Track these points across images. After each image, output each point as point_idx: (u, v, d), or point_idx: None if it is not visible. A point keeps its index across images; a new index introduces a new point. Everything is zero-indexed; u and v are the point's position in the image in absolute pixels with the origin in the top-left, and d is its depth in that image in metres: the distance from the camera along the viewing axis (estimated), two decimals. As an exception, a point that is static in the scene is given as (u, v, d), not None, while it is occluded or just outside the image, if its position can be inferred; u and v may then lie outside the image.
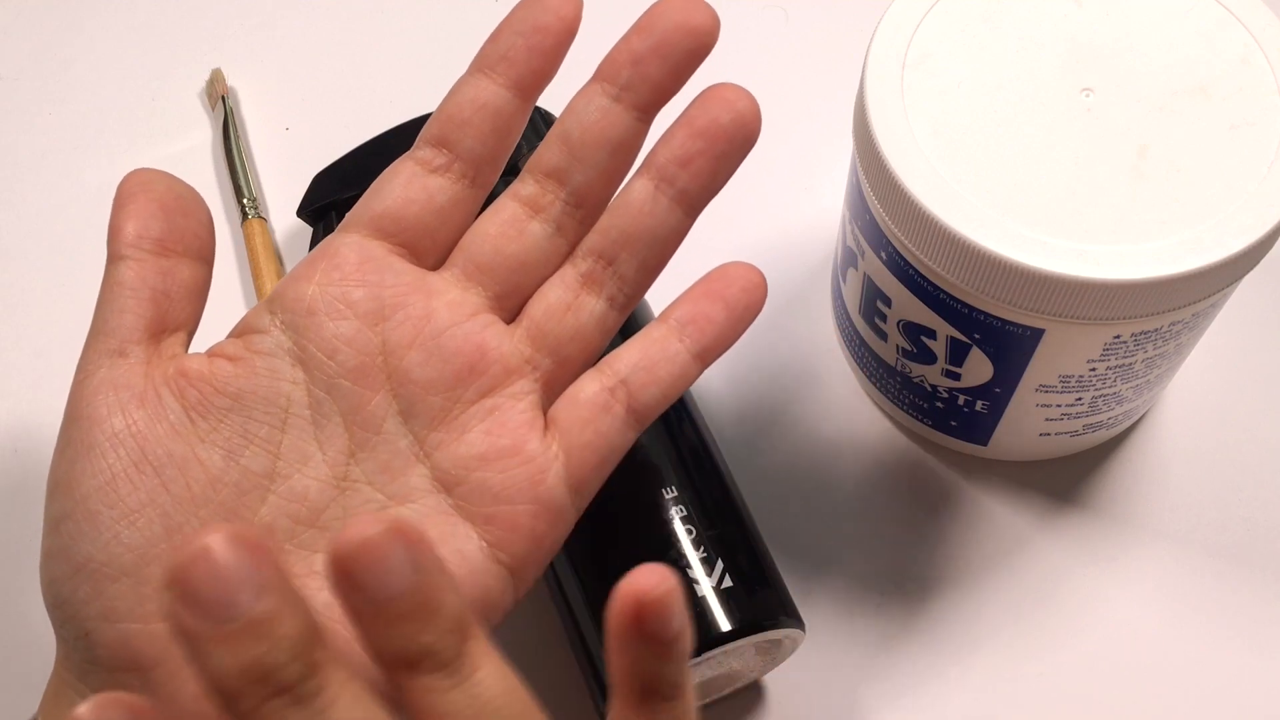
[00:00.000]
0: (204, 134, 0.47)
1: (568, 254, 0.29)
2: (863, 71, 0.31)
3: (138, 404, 0.26)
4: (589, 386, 0.28)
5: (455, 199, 0.29)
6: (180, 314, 0.28)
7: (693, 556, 0.32)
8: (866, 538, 0.38)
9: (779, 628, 0.32)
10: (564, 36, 0.28)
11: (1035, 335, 0.31)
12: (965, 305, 0.31)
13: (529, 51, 0.28)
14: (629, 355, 0.28)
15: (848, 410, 0.41)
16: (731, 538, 0.33)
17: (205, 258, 0.28)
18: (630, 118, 0.28)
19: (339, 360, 0.27)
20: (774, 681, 0.36)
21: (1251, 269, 0.30)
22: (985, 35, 0.31)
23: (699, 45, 0.27)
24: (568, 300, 0.29)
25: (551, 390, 0.29)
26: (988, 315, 0.31)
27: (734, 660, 0.33)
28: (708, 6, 0.27)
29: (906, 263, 0.31)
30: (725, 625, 0.31)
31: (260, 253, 0.43)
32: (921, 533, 0.38)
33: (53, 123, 0.48)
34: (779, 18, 0.49)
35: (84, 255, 0.45)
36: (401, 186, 0.28)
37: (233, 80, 0.48)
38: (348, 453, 0.28)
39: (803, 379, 0.41)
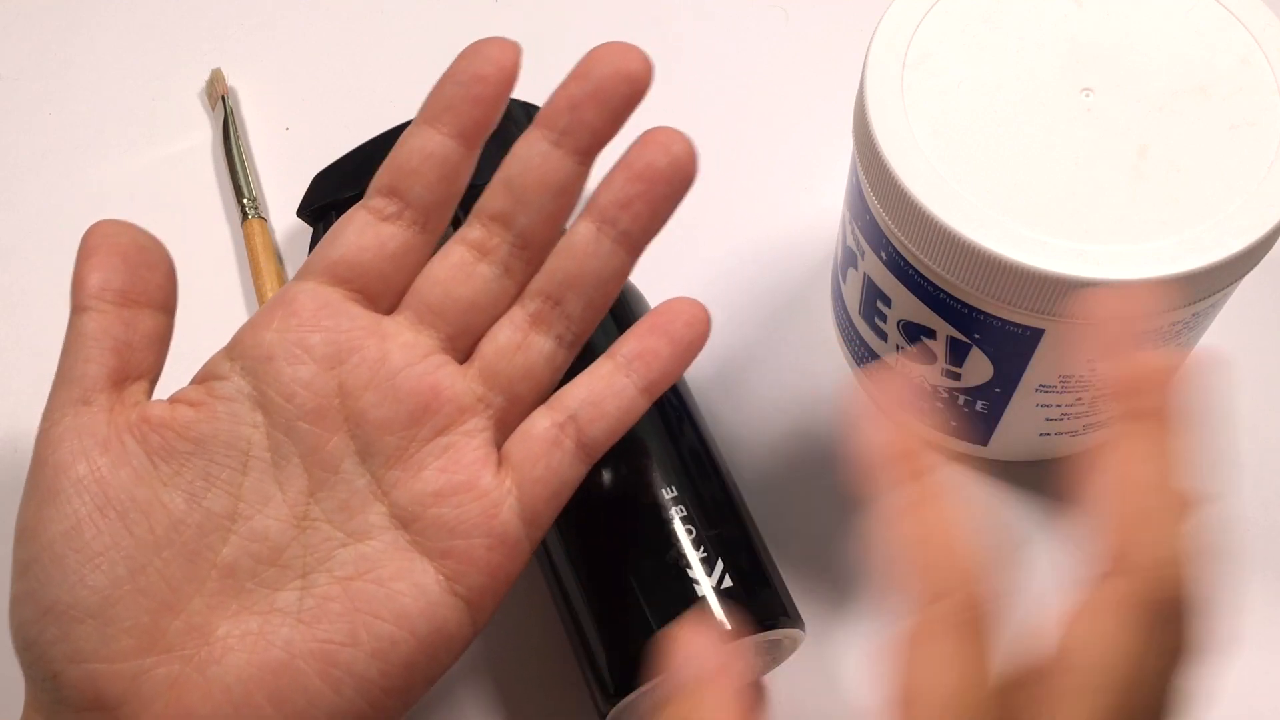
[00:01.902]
0: (204, 134, 0.47)
1: (516, 294, 0.30)
2: (863, 71, 0.31)
3: (101, 450, 0.27)
4: (540, 423, 0.29)
5: (407, 245, 0.30)
6: (143, 363, 0.29)
7: (693, 556, 0.32)
8: (867, 538, 0.38)
9: (779, 628, 0.32)
10: (504, 84, 0.29)
11: (1035, 335, 0.31)
12: (965, 305, 0.31)
13: (471, 102, 0.29)
14: (577, 392, 0.30)
15: (848, 411, 0.40)
16: (731, 538, 0.33)
17: (167, 307, 0.29)
18: (571, 162, 0.29)
19: (297, 403, 0.28)
20: (774, 681, 0.36)
21: (1251, 269, 0.30)
22: (985, 35, 0.31)
23: (633, 91, 0.28)
24: (518, 340, 0.30)
25: (504, 427, 0.30)
26: (988, 315, 0.31)
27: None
28: (640, 52, 0.29)
29: (906, 263, 0.31)
30: (725, 625, 0.31)
31: (260, 253, 0.43)
32: (921, 533, 0.38)
33: (53, 123, 0.48)
34: (779, 18, 0.49)
35: (84, 255, 0.45)
36: (355, 234, 0.29)
37: (233, 80, 0.48)
38: (307, 492, 0.28)
39: (803, 379, 0.41)
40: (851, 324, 0.38)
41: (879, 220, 0.31)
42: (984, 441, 0.37)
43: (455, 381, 0.29)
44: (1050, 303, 0.29)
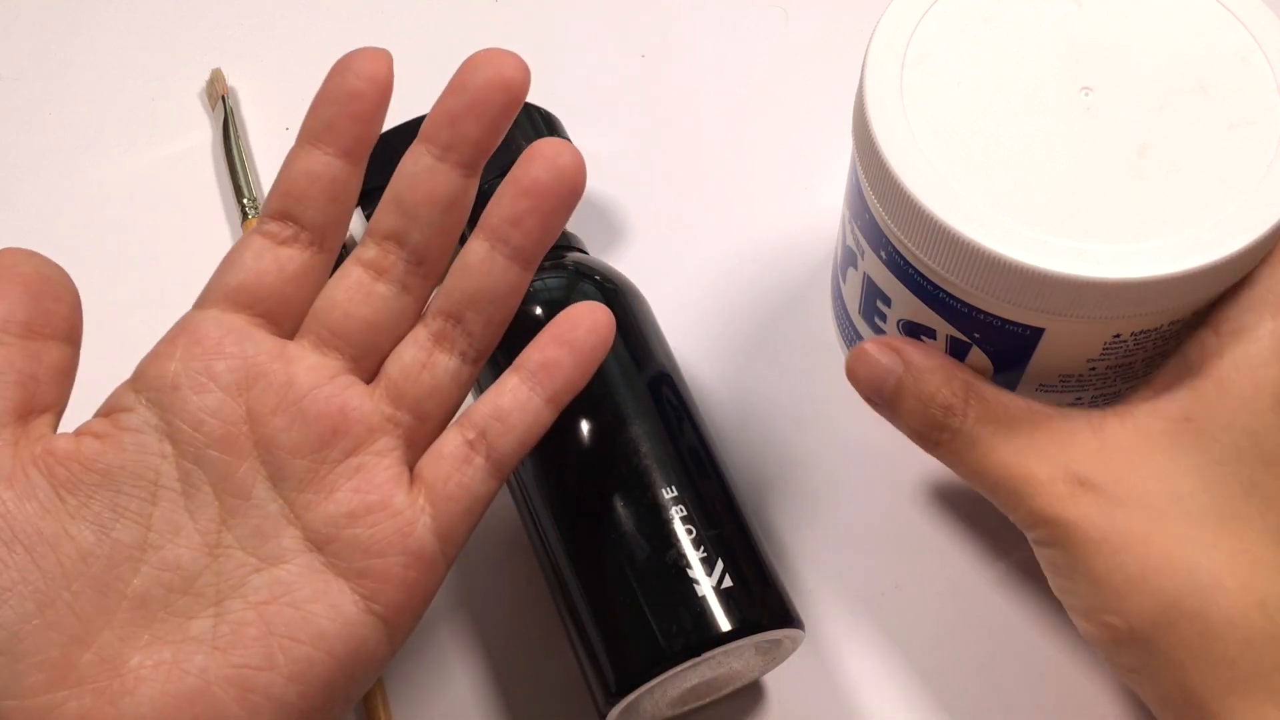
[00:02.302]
0: (204, 134, 0.47)
1: (417, 310, 0.31)
2: (862, 71, 0.31)
3: (5, 484, 0.27)
4: (451, 441, 0.30)
5: (305, 267, 0.30)
6: (48, 396, 0.28)
7: (693, 556, 0.32)
8: (866, 538, 0.38)
9: (779, 628, 0.32)
10: (380, 98, 0.29)
11: (1035, 334, 0.31)
12: (965, 305, 0.31)
13: (350, 120, 0.29)
14: (484, 408, 0.30)
15: (848, 410, 0.40)
16: (731, 538, 0.33)
17: (73, 339, 0.29)
18: (456, 175, 0.29)
19: (205, 431, 0.28)
20: (774, 681, 0.36)
21: (1252, 268, 0.30)
22: (985, 35, 0.31)
23: (511, 99, 0.29)
24: (422, 359, 0.30)
25: (414, 445, 0.30)
26: (987, 314, 0.31)
27: (734, 660, 0.33)
28: (515, 57, 0.29)
29: (906, 262, 0.31)
30: (725, 625, 0.31)
31: (260, 253, 0.43)
32: (922, 532, 0.38)
33: (53, 123, 0.48)
34: (779, 18, 0.49)
35: (84, 255, 0.45)
36: (254, 259, 0.29)
37: (233, 80, 0.48)
38: (219, 520, 0.28)
39: (803, 379, 0.41)
40: (851, 324, 0.38)
41: (879, 220, 0.31)
42: None
43: (363, 402, 0.29)
44: (1050, 301, 0.29)
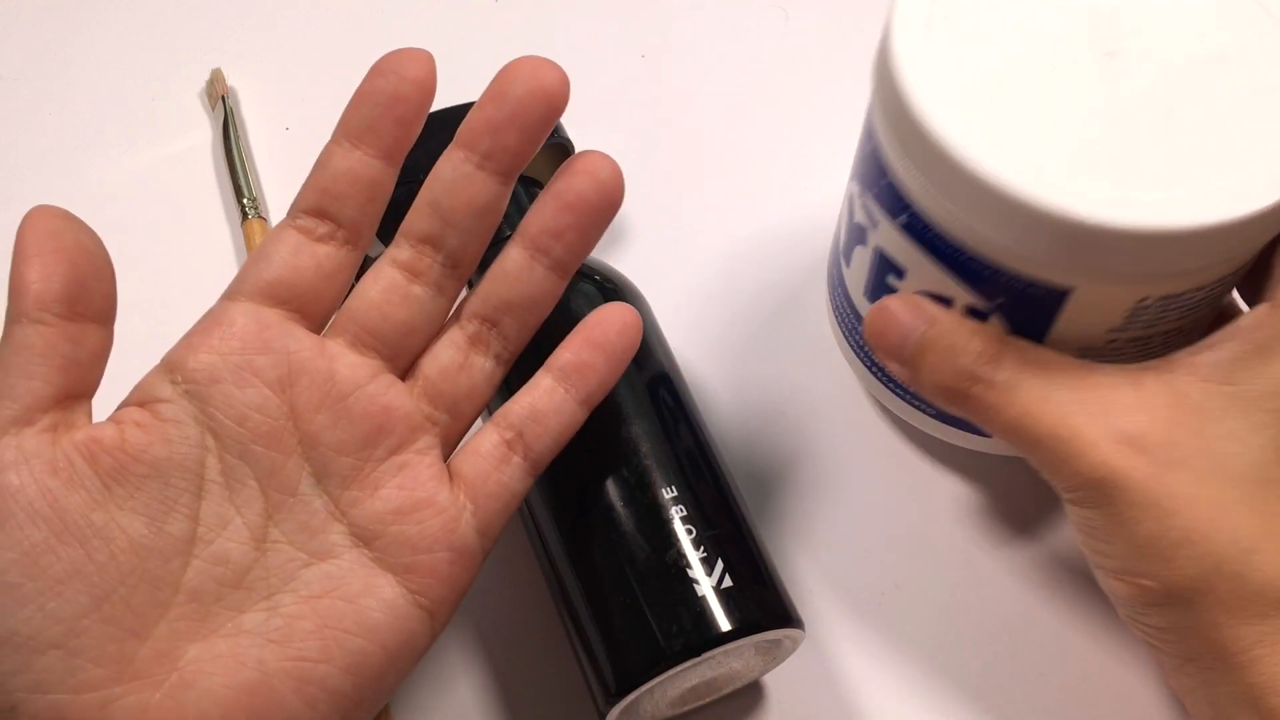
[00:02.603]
0: (204, 134, 0.47)
1: (447, 310, 0.31)
2: (886, 26, 0.31)
3: (51, 473, 0.26)
4: (488, 439, 0.30)
5: (339, 264, 0.30)
6: (87, 381, 0.28)
7: (693, 556, 0.32)
8: (866, 537, 0.38)
9: (779, 627, 0.32)
10: (423, 102, 0.29)
11: (1060, 298, 0.30)
12: (990, 267, 0.30)
13: (393, 122, 0.29)
14: (519, 408, 0.31)
15: (847, 410, 0.41)
16: (731, 538, 0.33)
17: (110, 321, 0.28)
18: (494, 183, 0.30)
19: (249, 427, 0.28)
20: (774, 681, 0.36)
21: None
22: (1005, 1, 0.31)
23: (551, 110, 0.29)
24: (459, 361, 0.31)
25: (448, 443, 0.31)
26: (1014, 276, 0.30)
27: (734, 660, 0.33)
28: (555, 66, 0.29)
29: (927, 226, 0.31)
30: (725, 625, 0.31)
31: (260, 253, 0.43)
32: (922, 532, 0.38)
33: (53, 123, 0.48)
34: (779, 18, 0.49)
35: (84, 255, 0.45)
36: (290, 254, 0.29)
37: (233, 80, 0.48)
38: (265, 515, 0.28)
39: (802, 378, 0.41)
40: (853, 309, 0.37)
41: (901, 180, 0.31)
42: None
43: (405, 401, 0.30)
44: (1084, 257, 0.29)
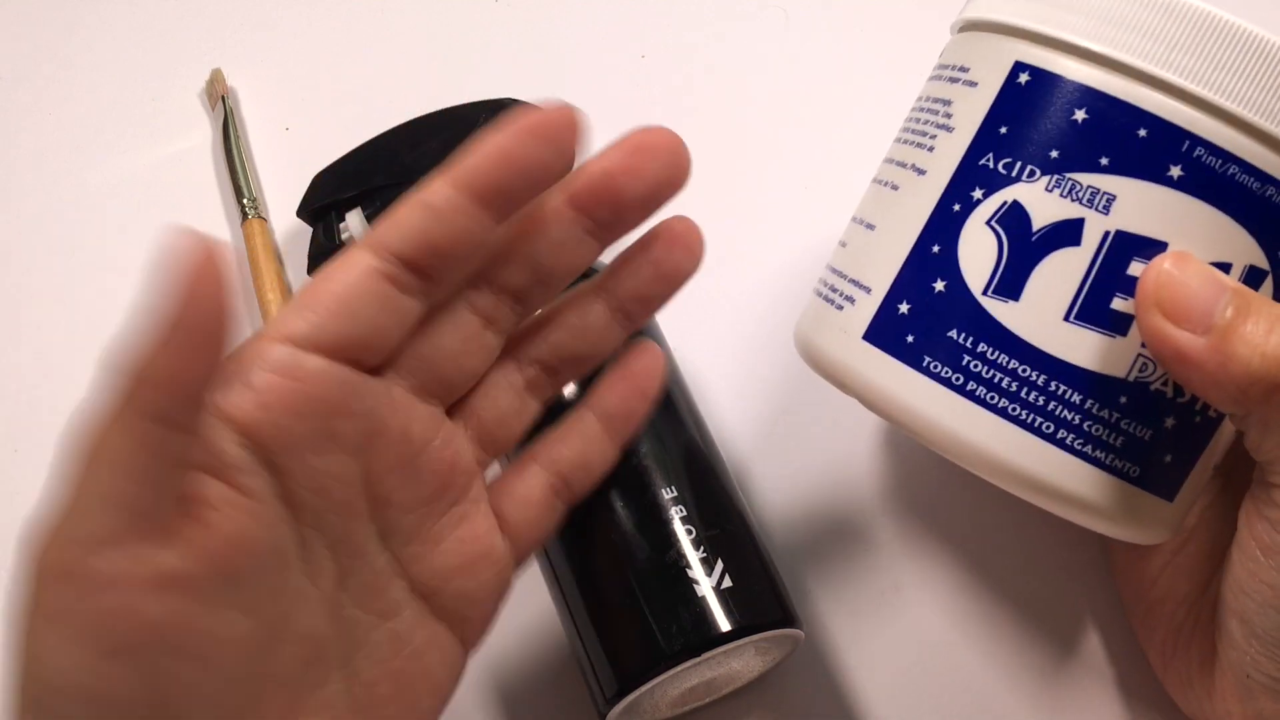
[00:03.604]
0: (204, 134, 0.47)
1: (500, 346, 0.30)
2: None
3: (182, 592, 0.24)
4: (535, 485, 0.31)
5: (419, 315, 0.28)
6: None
7: (693, 556, 0.32)
8: (866, 537, 0.38)
9: (779, 628, 0.32)
10: (563, 174, 0.27)
11: None
12: None
13: (529, 192, 0.27)
14: (571, 456, 0.31)
15: (847, 410, 0.40)
16: (731, 538, 0.33)
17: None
18: (597, 249, 0.29)
19: (327, 496, 0.27)
20: (774, 681, 0.36)
21: None
22: None
23: (674, 195, 0.29)
24: (516, 406, 0.30)
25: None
26: None
27: (734, 660, 0.33)
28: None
29: (1225, 165, 0.27)
30: (725, 625, 0.31)
31: (260, 253, 0.43)
32: (922, 532, 0.38)
33: (53, 123, 0.48)
34: (779, 18, 0.49)
35: (84, 255, 0.45)
36: (378, 312, 0.26)
37: (233, 80, 0.48)
38: (337, 582, 0.27)
39: (803, 379, 0.41)
40: (1033, 352, 0.28)
41: (1182, 122, 0.27)
42: (1170, 495, 0.29)
43: (467, 452, 0.29)
44: None
